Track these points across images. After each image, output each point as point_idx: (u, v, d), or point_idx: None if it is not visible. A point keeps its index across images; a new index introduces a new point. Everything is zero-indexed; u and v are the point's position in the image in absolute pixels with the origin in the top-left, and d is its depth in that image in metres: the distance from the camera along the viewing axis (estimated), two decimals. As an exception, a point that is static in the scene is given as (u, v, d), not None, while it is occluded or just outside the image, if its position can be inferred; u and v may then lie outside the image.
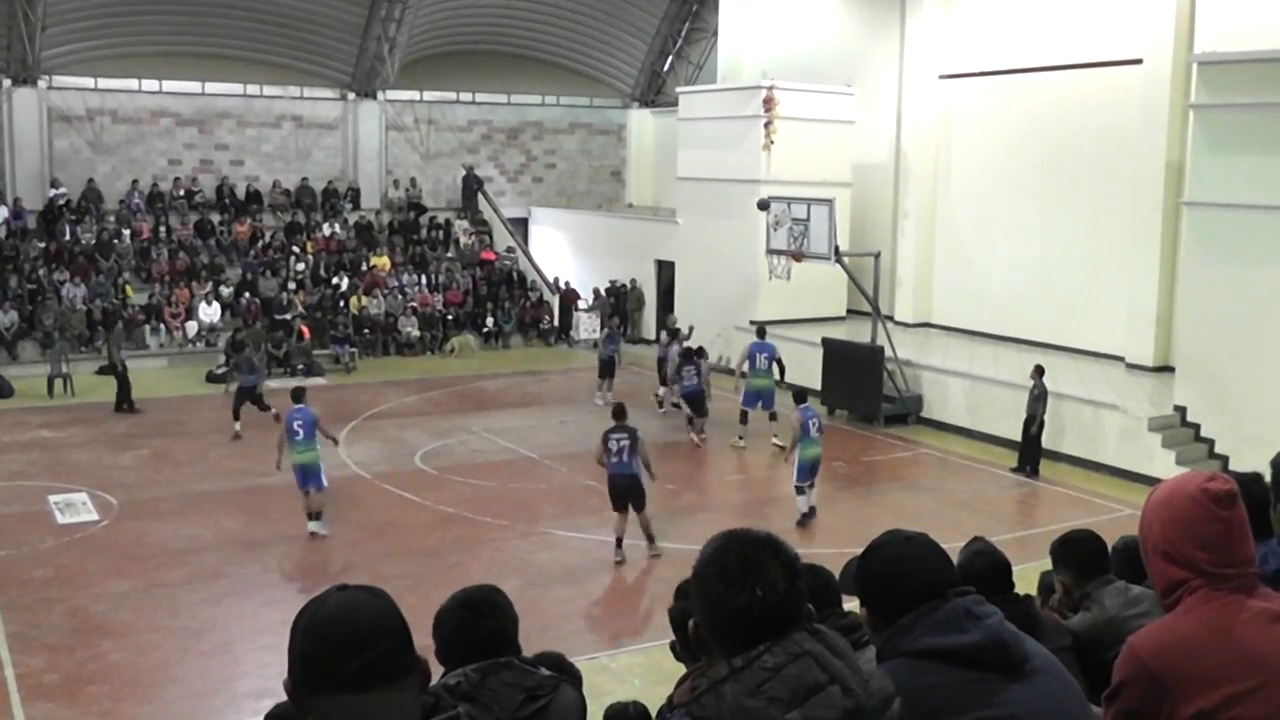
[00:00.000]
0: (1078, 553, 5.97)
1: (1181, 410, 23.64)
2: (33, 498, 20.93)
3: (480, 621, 3.89)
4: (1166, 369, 26.06)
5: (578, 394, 30.96)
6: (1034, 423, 23.56)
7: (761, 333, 27.42)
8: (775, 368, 25.94)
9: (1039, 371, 23.75)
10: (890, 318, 31.11)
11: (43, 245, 35.98)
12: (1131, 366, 27.29)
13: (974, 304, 31.96)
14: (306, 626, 2.62)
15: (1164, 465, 21.79)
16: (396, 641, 2.62)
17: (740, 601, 2.75)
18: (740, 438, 25.59)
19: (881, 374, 27.54)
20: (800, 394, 21.36)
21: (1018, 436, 25.20)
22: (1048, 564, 6.23)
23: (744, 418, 25.73)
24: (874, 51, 34.99)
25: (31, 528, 19.36)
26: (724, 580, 2.78)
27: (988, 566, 5.28)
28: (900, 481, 23.47)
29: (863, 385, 27.70)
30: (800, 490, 20.18)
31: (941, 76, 32.78)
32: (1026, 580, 6.49)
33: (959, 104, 32.55)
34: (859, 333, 29.54)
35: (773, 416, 25.77)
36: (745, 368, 26.19)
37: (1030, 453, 23.68)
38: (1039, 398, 23.45)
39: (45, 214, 36.84)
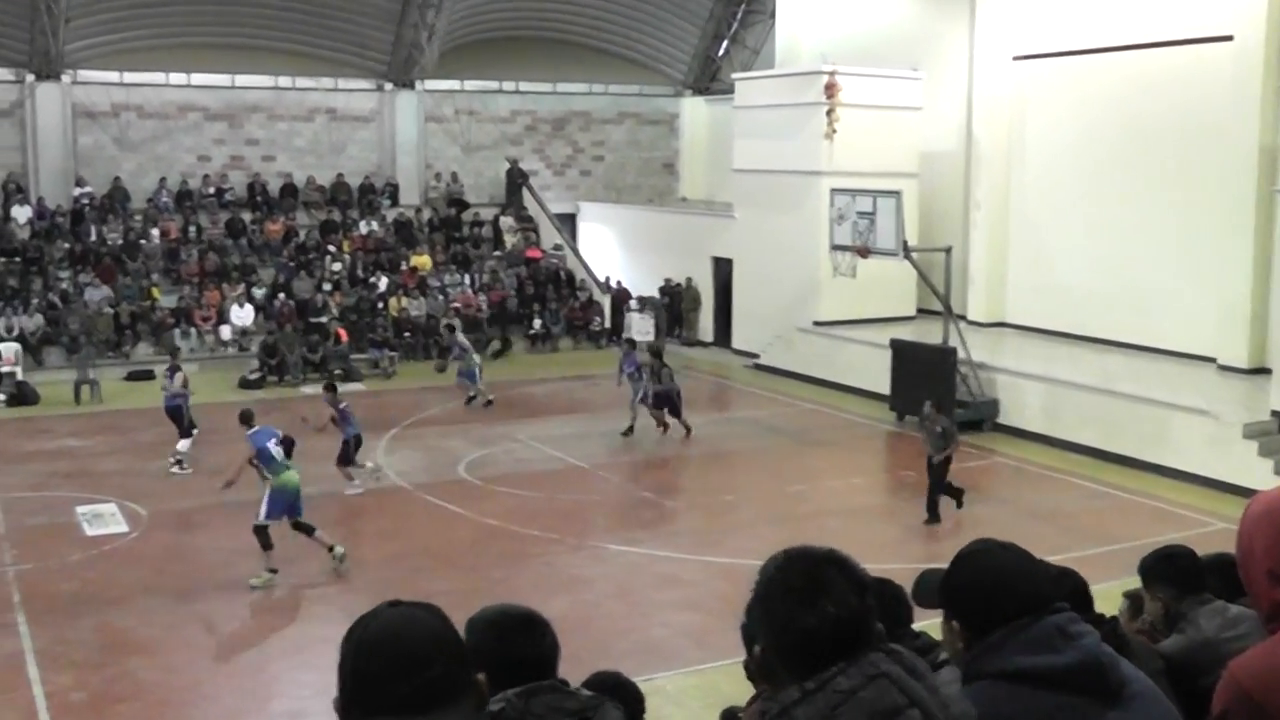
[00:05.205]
0: (1176, 569, 5.88)
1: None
2: (59, 508, 21.13)
3: (527, 641, 3.87)
4: (1263, 371, 25.77)
5: (629, 399, 30.92)
6: (938, 468, 20.89)
7: (248, 417, 18.99)
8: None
9: (937, 406, 21.38)
10: (962, 317, 30.90)
11: (68, 246, 36.36)
12: (1224, 368, 26.98)
13: (1051, 301, 31.69)
14: (358, 644, 2.63)
15: (1262, 475, 21.45)
16: (452, 661, 2.63)
17: (810, 621, 2.73)
18: (270, 570, 17.73)
19: (953, 377, 27.34)
20: (245, 413, 18.74)
21: (1099, 444, 25.02)
22: (1132, 582, 6.16)
23: (264, 537, 17.70)
24: (942, 32, 34.81)
25: (59, 540, 19.54)
26: (791, 600, 2.77)
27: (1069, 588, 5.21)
28: (973, 492, 23.21)
29: (934, 389, 27.44)
30: (264, 530, 17.49)
31: (1015, 58, 32.53)
32: (1109, 600, 6.41)
33: (1034, 87, 32.29)
34: (929, 333, 29.39)
35: (303, 527, 18.28)
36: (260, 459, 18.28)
37: (938, 494, 20.96)
38: (942, 434, 20.75)
39: (44, 213, 37.19)
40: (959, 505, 21.05)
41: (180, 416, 23.97)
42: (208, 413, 28.46)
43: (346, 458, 22.22)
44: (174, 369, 24.59)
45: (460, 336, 31.01)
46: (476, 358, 29.92)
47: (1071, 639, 3.21)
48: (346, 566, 17.87)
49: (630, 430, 26.65)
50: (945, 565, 3.60)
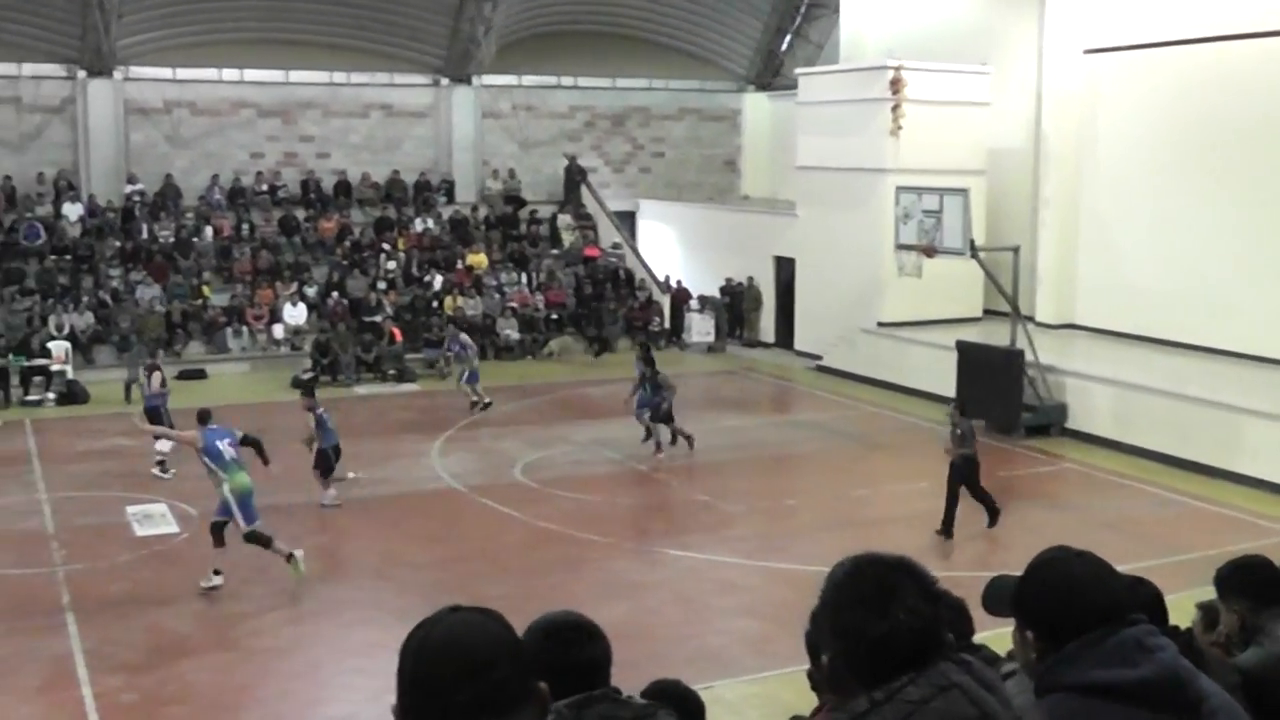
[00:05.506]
0: (1253, 580, 5.79)
1: (1359, 421, 23.09)
2: (109, 509, 21.30)
3: (580, 648, 3.85)
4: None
5: (691, 401, 30.87)
6: (968, 469, 20.17)
7: (205, 416, 18.23)
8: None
9: (960, 407, 20.80)
10: (1030, 318, 30.67)
11: (119, 244, 36.68)
12: (1300, 371, 26.69)
13: (1122, 302, 31.40)
14: (417, 650, 2.65)
15: (1341, 483, 21.24)
16: (514, 668, 2.64)
17: (882, 630, 2.72)
18: (286, 558, 17.59)
19: (1021, 380, 27.18)
20: (202, 413, 18.16)
21: (1170, 450, 24.70)
22: (1204, 593, 6.08)
23: (259, 539, 17.53)
24: (1010, 25, 34.60)
25: (108, 540, 19.71)
26: (862, 608, 2.76)
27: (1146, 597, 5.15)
28: (1040, 499, 23.12)
29: (1000, 393, 27.32)
30: (255, 535, 17.36)
31: (1086, 51, 32.28)
32: (1182, 611, 6.34)
33: (1105, 81, 32.03)
34: (996, 335, 29.19)
35: (217, 534, 17.62)
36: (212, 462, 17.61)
37: (986, 497, 20.35)
38: (964, 438, 20.12)
39: (95, 210, 37.50)
40: (945, 533, 20.18)
41: (160, 417, 24.09)
42: (259, 412, 28.71)
43: (325, 467, 21.58)
44: (152, 369, 24.94)
45: (463, 334, 30.88)
46: (476, 361, 29.89)
47: (1149, 652, 3.18)
48: (214, 590, 17.33)
49: (674, 440, 25.83)
50: (1013, 572, 3.57)
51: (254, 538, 17.37)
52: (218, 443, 17.47)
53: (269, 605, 17.15)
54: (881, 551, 2.92)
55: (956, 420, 20.37)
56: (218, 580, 17.42)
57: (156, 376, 24.64)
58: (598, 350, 36.92)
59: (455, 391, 30.63)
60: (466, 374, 29.53)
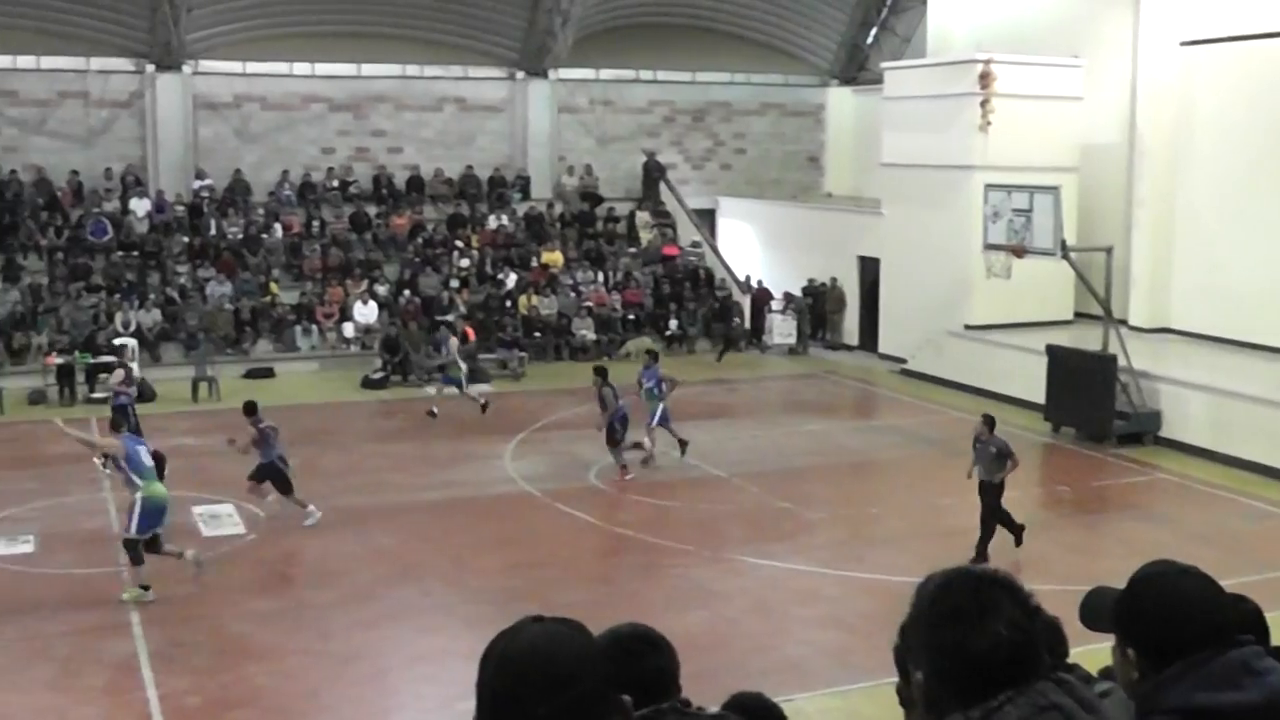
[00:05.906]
0: None
1: None
2: (176, 508, 21.34)
3: (645, 660, 3.83)
4: None
5: (771, 405, 30.83)
6: (994, 491, 19.18)
7: (119, 425, 18.84)
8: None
9: (989, 423, 19.54)
10: (1123, 322, 30.35)
11: (186, 240, 37.04)
12: None
13: (1219, 306, 31.02)
14: (498, 662, 2.66)
15: None
16: (597, 681, 2.64)
17: (983, 645, 2.68)
18: (141, 586, 17.43)
19: (1113, 387, 26.90)
20: (115, 421, 18.75)
21: (1269, 460, 24.34)
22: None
23: (134, 551, 17.41)
24: (1103, 16, 34.30)
25: (174, 540, 19.78)
26: (960, 623, 2.72)
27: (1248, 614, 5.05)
28: (1132, 510, 22.90)
29: (1092, 399, 27.09)
30: (134, 548, 17.24)
31: (1183, 43, 31.91)
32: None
33: (1203, 74, 31.65)
34: (1088, 339, 28.93)
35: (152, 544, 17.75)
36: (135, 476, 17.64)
37: (993, 527, 19.16)
38: (998, 456, 19.06)
39: (163, 206, 37.87)
40: (1018, 543, 19.42)
41: (127, 416, 23.69)
42: (327, 412, 28.85)
43: (261, 477, 20.93)
44: (115, 368, 25.68)
45: (453, 339, 30.31)
46: (464, 365, 29.77)
47: (1258, 675, 3.11)
48: (205, 571, 17.75)
49: (649, 458, 25.06)
50: (1107, 584, 3.50)
51: (129, 546, 17.30)
52: (138, 449, 17.66)
53: (337, 609, 17.24)
54: (973, 565, 2.88)
55: (987, 437, 19.29)
56: (192, 554, 17.70)
57: (118, 373, 25.25)
58: (722, 351, 37.03)
59: (526, 393, 30.68)
60: (458, 380, 29.22)
